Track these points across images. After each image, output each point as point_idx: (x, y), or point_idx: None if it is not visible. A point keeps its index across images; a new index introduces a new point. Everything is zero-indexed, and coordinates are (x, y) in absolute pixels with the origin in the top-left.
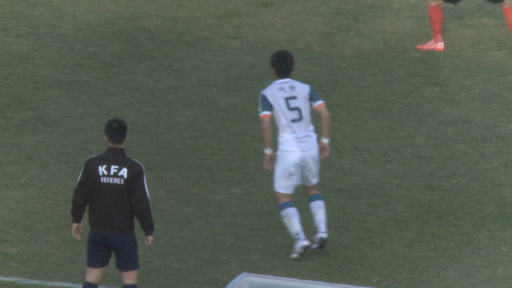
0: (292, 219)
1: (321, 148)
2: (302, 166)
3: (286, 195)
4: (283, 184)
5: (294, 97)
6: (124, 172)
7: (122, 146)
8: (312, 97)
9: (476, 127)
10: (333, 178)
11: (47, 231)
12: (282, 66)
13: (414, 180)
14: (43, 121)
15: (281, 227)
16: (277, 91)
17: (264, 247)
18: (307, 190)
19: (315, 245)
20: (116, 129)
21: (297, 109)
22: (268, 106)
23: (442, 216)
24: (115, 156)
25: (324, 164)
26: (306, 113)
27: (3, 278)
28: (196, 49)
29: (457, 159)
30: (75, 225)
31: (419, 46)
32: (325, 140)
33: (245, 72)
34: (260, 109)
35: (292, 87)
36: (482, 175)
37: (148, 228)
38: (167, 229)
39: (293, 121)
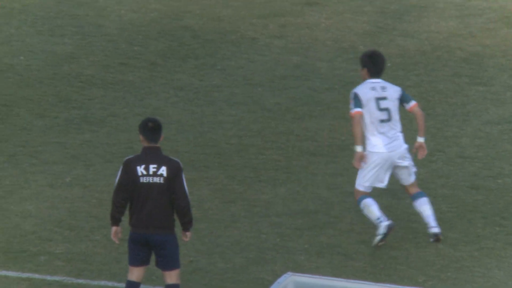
0: (371, 207)
1: (418, 147)
2: (389, 167)
3: (364, 193)
4: (366, 183)
5: (384, 98)
6: (163, 170)
7: (158, 145)
8: (404, 99)
9: None
10: None
11: (92, 230)
12: (375, 66)
13: (459, 180)
14: (88, 120)
15: (326, 227)
16: (368, 91)
17: (309, 246)
18: (408, 189)
19: (432, 240)
20: (152, 129)
21: (386, 110)
22: (360, 103)
23: (487, 216)
24: (152, 155)
25: None
26: (395, 114)
27: (48, 277)
28: (241, 48)
29: (502, 159)
30: (114, 228)
31: None
32: (421, 139)
33: (290, 72)
34: (351, 106)
35: (383, 88)
36: None
37: (187, 224)
38: (212, 228)
39: (382, 121)
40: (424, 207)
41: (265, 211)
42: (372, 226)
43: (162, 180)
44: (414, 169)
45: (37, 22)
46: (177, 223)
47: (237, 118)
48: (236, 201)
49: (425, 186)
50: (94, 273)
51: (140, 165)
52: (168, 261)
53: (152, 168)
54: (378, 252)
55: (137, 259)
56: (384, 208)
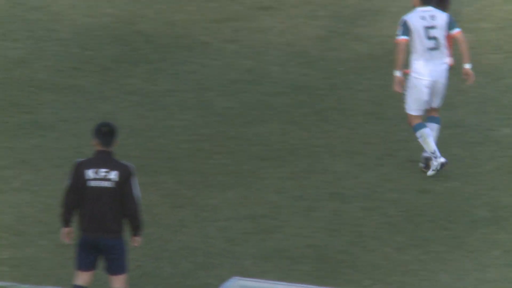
0: (428, 139)
1: (465, 74)
2: (432, 92)
3: (417, 116)
4: (415, 107)
5: (433, 27)
6: (114, 175)
7: (111, 149)
8: (450, 26)
9: (471, 131)
10: (327, 181)
11: (39, 236)
12: None
13: (407, 184)
14: (38, 125)
15: (274, 231)
16: (418, 20)
17: (256, 251)
18: (429, 111)
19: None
20: (106, 133)
21: (435, 38)
22: (407, 31)
23: (435, 219)
24: (104, 159)
25: (318, 167)
26: (442, 42)
27: None
28: (194, 53)
29: (451, 163)
30: (65, 229)
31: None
32: (467, 66)
33: (242, 76)
34: (399, 32)
35: (432, 17)
36: (475, 178)
37: (137, 229)
38: (160, 233)
39: (430, 49)
40: (433, 133)
41: (213, 215)
42: (320, 230)
43: (112, 184)
44: (444, 94)
45: None
46: (128, 227)
47: (188, 123)
48: (185, 206)
49: (373, 190)
50: (40, 278)
51: (90, 169)
52: (116, 266)
53: (102, 172)
54: (325, 256)
55: (85, 264)
56: (331, 212)
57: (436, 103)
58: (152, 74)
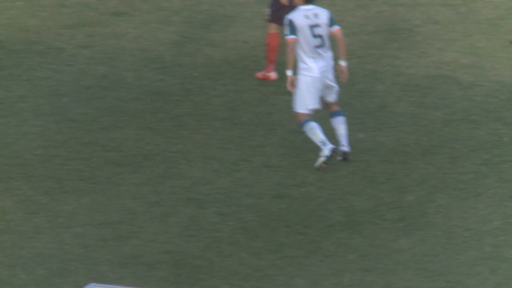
0: (315, 130)
1: (340, 71)
2: (321, 89)
3: (305, 114)
4: (304, 106)
5: (317, 25)
6: None
7: None
8: (330, 22)
9: (326, 136)
10: (183, 187)
11: None
12: None
13: (263, 189)
14: None
15: (130, 237)
16: (303, 18)
17: (112, 257)
18: (329, 106)
19: (339, 158)
20: None
21: (320, 36)
22: (295, 30)
23: (291, 224)
24: None
25: (174, 173)
26: (327, 39)
27: None
28: (47, 59)
29: (306, 168)
30: None
31: (256, 74)
32: (343, 63)
33: (96, 82)
34: (287, 32)
35: (315, 15)
36: (330, 183)
37: None
38: (14, 240)
39: (317, 47)
40: (341, 126)
41: (69, 222)
42: (176, 236)
43: None
44: (337, 89)
45: None
46: None
47: (42, 129)
48: (40, 212)
49: (229, 195)
50: None
51: None
52: None
53: None
54: (182, 261)
55: None
56: (188, 218)
57: (331, 98)
58: (5, 80)
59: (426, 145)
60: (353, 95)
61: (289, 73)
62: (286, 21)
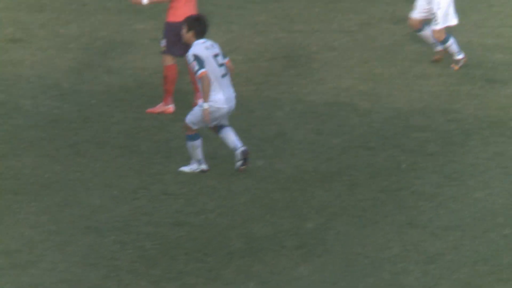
0: (197, 149)
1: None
2: (223, 116)
3: (195, 129)
4: (199, 126)
5: (218, 54)
6: None
7: None
8: (223, 54)
9: (225, 162)
10: (81, 215)
11: None
12: (202, 26)
13: (162, 217)
14: None
15: (29, 266)
16: (205, 50)
17: (10, 286)
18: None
19: (239, 164)
20: None
21: (223, 65)
22: (203, 63)
23: (190, 252)
24: None
25: (73, 201)
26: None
27: None
28: None
29: (206, 195)
30: None
31: (148, 110)
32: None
33: None
34: (196, 67)
35: (212, 45)
36: (230, 210)
37: None
38: None
39: (222, 76)
40: (228, 132)
41: None
42: (75, 264)
43: None
44: None
45: None
46: None
47: None
48: None
49: (128, 223)
50: None
51: None
52: None
53: None
54: None
55: None
56: (87, 246)
57: (226, 122)
58: None
59: (324, 172)
60: (251, 122)
61: (205, 105)
62: (190, 58)
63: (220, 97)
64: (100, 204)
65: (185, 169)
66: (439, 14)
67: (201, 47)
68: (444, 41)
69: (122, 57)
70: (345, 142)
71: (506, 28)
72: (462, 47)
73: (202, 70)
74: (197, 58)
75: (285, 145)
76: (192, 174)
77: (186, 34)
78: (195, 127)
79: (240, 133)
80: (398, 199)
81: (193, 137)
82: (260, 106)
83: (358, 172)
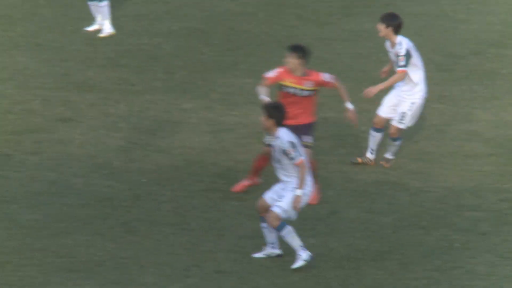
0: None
1: None
2: None
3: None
4: (288, 216)
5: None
6: None
7: None
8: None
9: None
10: None
11: None
12: (282, 114)
13: None
14: None
15: None
16: (295, 138)
17: None
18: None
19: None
20: None
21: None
22: (299, 150)
23: None
24: None
25: (126, 279)
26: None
27: None
28: None
29: (258, 273)
30: None
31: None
32: None
33: (46, 188)
34: (294, 153)
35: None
36: None
37: None
38: None
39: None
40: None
41: None
42: None
43: None
44: None
45: None
46: None
47: None
48: None
49: None
50: None
51: None
52: None
53: None
54: None
55: None
56: None
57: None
58: None
59: (377, 251)
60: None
61: (299, 192)
62: (287, 145)
63: (308, 187)
64: (153, 282)
65: (297, 264)
66: (409, 114)
67: (292, 135)
68: (397, 139)
69: (171, 136)
70: (396, 221)
71: None
72: (499, 125)
73: (301, 158)
74: (294, 145)
75: (338, 224)
76: (244, 252)
77: (267, 122)
78: (284, 216)
79: None
80: (452, 278)
81: (284, 226)
82: None
83: (411, 251)
